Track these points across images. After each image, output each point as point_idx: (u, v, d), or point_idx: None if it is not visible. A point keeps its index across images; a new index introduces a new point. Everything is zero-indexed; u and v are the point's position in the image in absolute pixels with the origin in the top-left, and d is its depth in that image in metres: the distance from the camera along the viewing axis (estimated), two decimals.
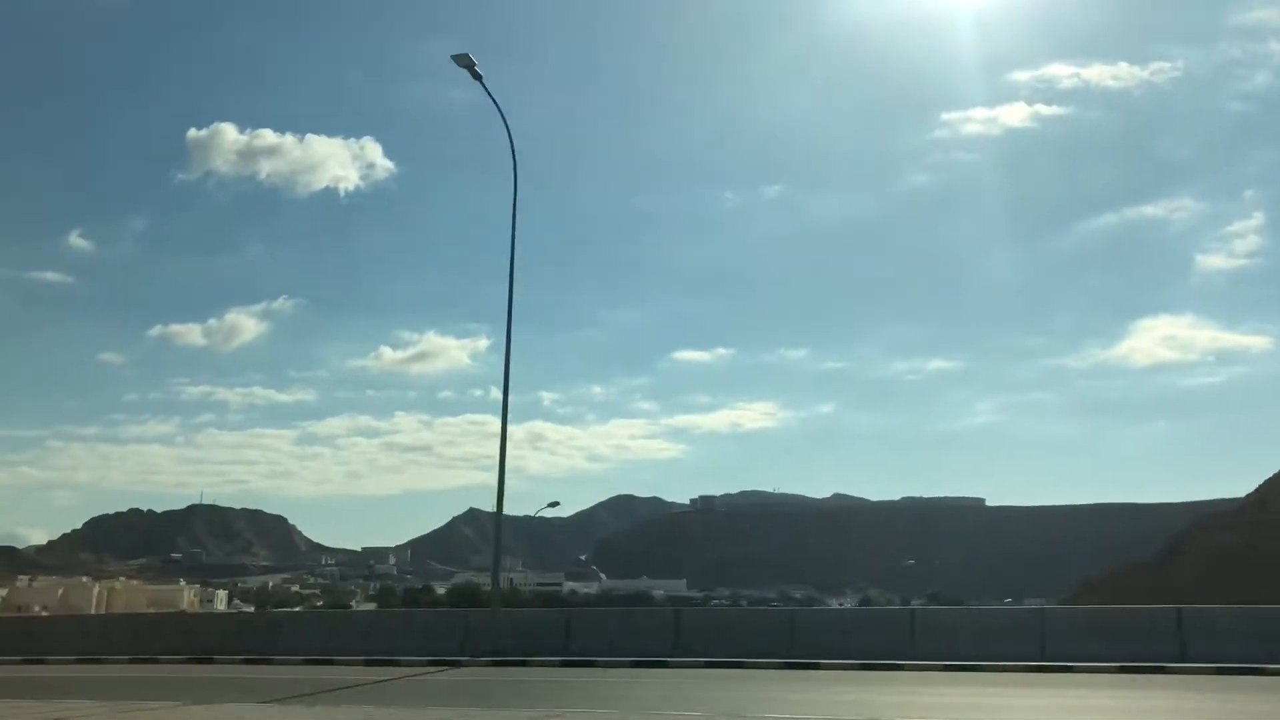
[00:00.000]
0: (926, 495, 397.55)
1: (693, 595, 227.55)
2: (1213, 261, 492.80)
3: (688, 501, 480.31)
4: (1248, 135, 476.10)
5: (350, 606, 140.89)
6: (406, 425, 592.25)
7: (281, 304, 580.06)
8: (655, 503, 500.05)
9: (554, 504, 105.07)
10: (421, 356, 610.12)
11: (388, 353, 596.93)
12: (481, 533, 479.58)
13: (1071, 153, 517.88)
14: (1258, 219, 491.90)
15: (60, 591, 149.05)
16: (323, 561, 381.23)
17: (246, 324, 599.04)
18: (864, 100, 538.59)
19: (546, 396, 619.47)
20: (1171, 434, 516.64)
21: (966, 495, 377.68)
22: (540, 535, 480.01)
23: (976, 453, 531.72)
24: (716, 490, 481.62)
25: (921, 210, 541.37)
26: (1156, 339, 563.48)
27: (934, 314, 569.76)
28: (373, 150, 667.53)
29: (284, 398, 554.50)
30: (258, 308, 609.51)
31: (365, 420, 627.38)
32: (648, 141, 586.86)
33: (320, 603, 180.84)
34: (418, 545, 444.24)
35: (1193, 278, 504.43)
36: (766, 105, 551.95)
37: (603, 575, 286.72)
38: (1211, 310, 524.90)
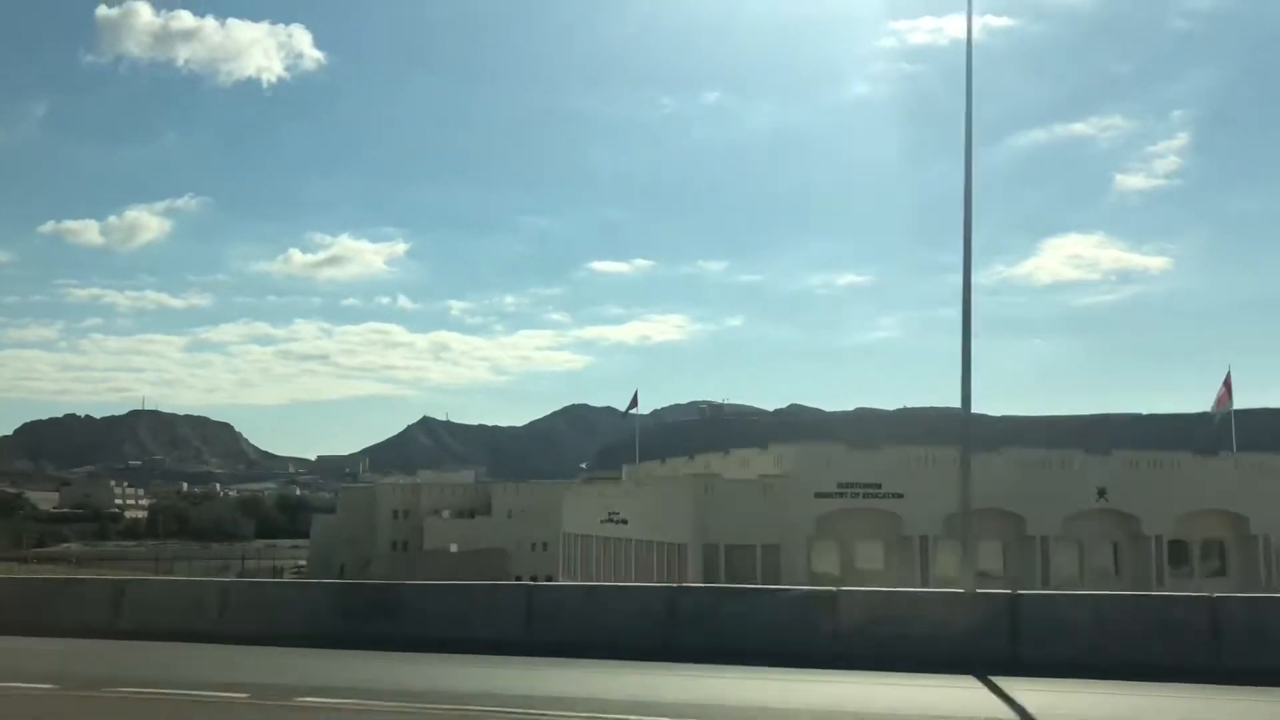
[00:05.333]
0: (882, 407, 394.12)
1: None
2: (1131, 181, 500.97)
3: (648, 412, 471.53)
4: (1186, 53, 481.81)
5: None
6: (305, 333, 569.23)
7: (186, 202, 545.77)
8: (610, 413, 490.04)
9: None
10: (333, 260, 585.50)
11: (297, 256, 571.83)
12: (437, 441, 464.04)
13: (1014, 67, 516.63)
14: (1181, 139, 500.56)
15: None
16: (290, 470, 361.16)
17: (148, 222, 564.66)
18: (813, 4, 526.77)
19: (456, 306, 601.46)
20: (1047, 351, 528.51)
21: (950, 405, 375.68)
22: (498, 445, 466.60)
23: (876, 366, 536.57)
24: (661, 402, 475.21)
25: (857, 122, 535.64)
26: (1062, 258, 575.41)
27: (854, 228, 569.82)
28: (302, 39, 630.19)
29: (177, 303, 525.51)
30: (161, 205, 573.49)
31: (262, 327, 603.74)
32: (587, 39, 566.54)
33: None
34: (373, 454, 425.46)
35: (1109, 197, 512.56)
36: (713, 6, 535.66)
37: None
38: (1120, 230, 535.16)
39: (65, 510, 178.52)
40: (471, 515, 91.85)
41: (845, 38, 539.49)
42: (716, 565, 36.46)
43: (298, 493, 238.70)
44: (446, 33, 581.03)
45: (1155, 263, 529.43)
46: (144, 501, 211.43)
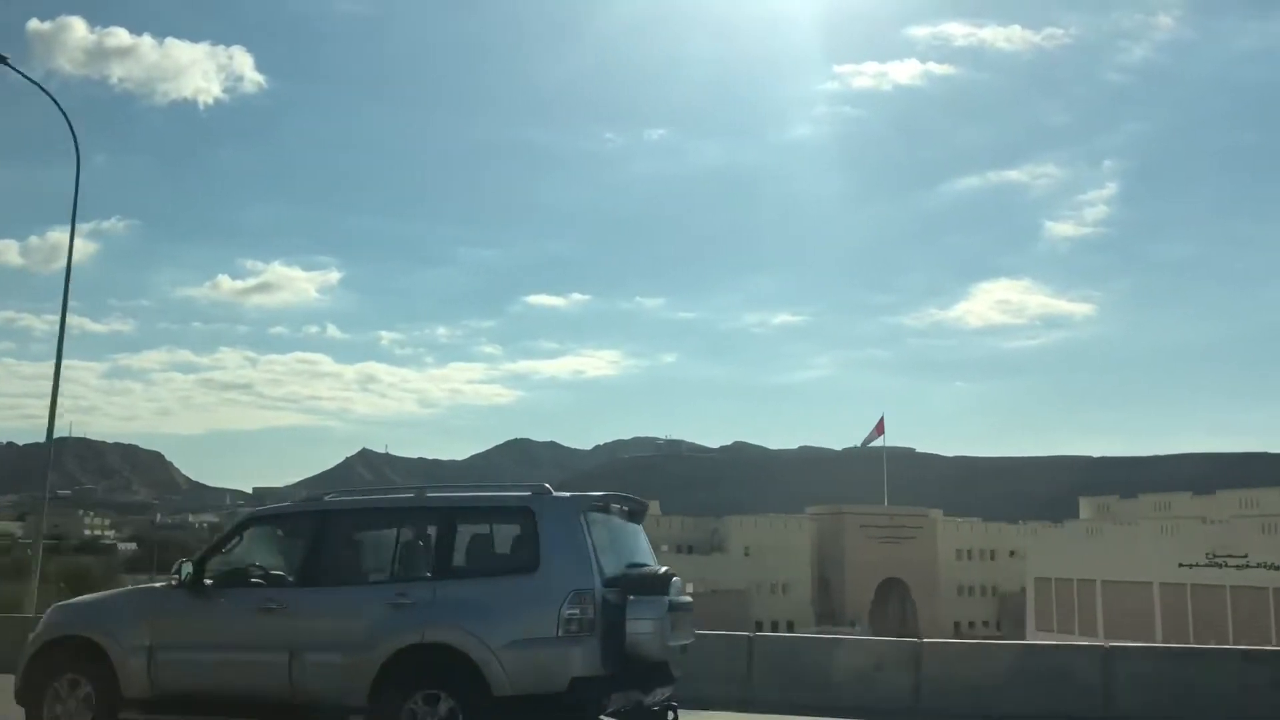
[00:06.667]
0: (826, 445, 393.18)
1: None
2: (1061, 229, 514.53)
3: (590, 448, 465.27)
4: (1119, 106, 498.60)
5: None
6: (230, 361, 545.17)
7: (113, 224, 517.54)
8: (553, 447, 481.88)
9: None
10: (264, 287, 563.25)
11: (226, 282, 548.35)
12: (378, 473, 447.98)
13: (953, 113, 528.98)
14: (1110, 189, 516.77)
15: None
16: (228, 501, 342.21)
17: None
18: (759, 46, 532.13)
19: (386, 336, 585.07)
20: (974, 394, 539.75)
21: (898, 445, 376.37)
22: (440, 479, 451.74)
23: (808, 404, 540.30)
24: (603, 438, 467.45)
25: (799, 163, 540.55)
26: (991, 302, 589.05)
27: (791, 268, 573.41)
28: (243, 61, 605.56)
29: (98, 328, 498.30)
30: (86, 227, 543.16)
31: (185, 355, 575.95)
32: (534, 74, 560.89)
33: None
34: (312, 485, 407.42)
35: (1040, 244, 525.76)
36: (659, 46, 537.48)
37: None
38: (1048, 276, 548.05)
39: (54, 541, 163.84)
40: (690, 550, 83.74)
41: (789, 80, 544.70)
42: None
43: None
44: (391, 62, 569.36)
45: (1080, 309, 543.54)
46: (111, 533, 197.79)
